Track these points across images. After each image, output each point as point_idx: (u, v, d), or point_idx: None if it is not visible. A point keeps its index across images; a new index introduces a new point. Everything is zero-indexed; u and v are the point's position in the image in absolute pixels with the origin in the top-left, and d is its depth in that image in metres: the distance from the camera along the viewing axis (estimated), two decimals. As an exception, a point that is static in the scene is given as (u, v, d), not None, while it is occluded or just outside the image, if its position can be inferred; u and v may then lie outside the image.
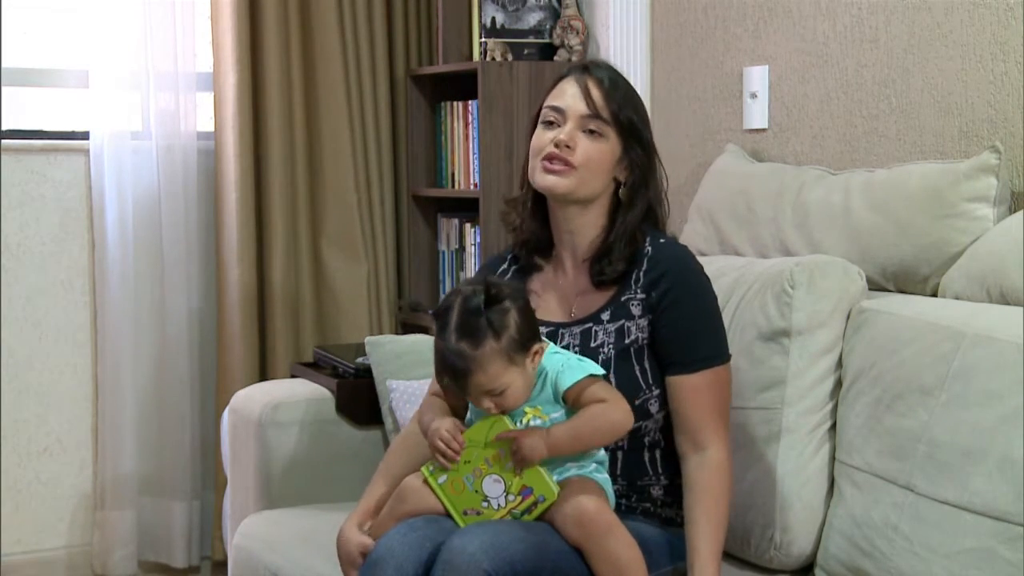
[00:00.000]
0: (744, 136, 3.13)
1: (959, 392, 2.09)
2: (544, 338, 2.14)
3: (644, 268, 2.22)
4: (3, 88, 3.58)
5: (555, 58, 3.67)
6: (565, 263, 2.30)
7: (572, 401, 2.08)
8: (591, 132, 2.21)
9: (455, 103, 3.79)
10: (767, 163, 2.99)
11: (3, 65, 3.57)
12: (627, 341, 2.19)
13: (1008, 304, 2.22)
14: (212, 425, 3.77)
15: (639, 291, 2.21)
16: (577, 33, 3.64)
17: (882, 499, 2.17)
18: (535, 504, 2.04)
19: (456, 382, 2.05)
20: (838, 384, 2.37)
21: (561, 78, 2.27)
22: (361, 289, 3.82)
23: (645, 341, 2.20)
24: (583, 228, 2.26)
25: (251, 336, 3.72)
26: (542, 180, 2.22)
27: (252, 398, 3.01)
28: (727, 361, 2.23)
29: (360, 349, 3.05)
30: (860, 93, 2.82)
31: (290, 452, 2.91)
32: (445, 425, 2.08)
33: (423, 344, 2.94)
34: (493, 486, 2.05)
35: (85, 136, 3.68)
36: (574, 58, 3.61)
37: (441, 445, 2.06)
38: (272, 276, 3.74)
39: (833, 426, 2.36)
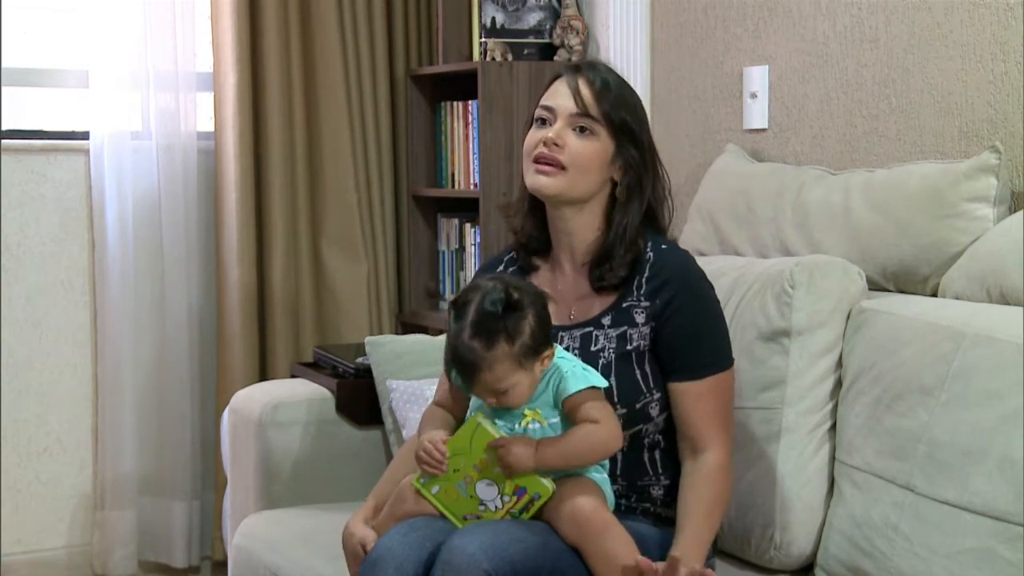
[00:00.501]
0: (744, 136, 3.13)
1: (959, 392, 2.09)
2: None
3: (646, 275, 2.21)
4: (3, 88, 3.58)
5: (555, 58, 3.67)
6: (564, 265, 2.29)
7: (569, 410, 2.07)
8: (581, 130, 2.20)
9: (455, 103, 3.79)
10: (767, 163, 2.99)
11: (3, 65, 3.56)
12: (629, 347, 2.19)
13: (1008, 304, 2.22)
14: (212, 425, 3.77)
15: (642, 298, 2.20)
16: (577, 33, 3.64)
17: (882, 499, 2.17)
18: (532, 502, 2.03)
19: (463, 376, 2.05)
20: (838, 384, 2.37)
21: (555, 78, 2.27)
22: (361, 289, 3.82)
23: (647, 346, 2.19)
24: (579, 229, 2.25)
25: (251, 336, 3.72)
26: (533, 181, 2.21)
27: (252, 398, 3.00)
28: (731, 367, 2.22)
29: (360, 349, 3.05)
30: (860, 93, 2.82)
31: (290, 452, 2.91)
32: (428, 436, 2.08)
33: (423, 344, 2.94)
34: (486, 490, 2.04)
35: (85, 136, 3.68)
36: (574, 58, 3.61)
37: (424, 455, 2.06)
38: (272, 276, 3.74)
39: (833, 426, 2.36)
